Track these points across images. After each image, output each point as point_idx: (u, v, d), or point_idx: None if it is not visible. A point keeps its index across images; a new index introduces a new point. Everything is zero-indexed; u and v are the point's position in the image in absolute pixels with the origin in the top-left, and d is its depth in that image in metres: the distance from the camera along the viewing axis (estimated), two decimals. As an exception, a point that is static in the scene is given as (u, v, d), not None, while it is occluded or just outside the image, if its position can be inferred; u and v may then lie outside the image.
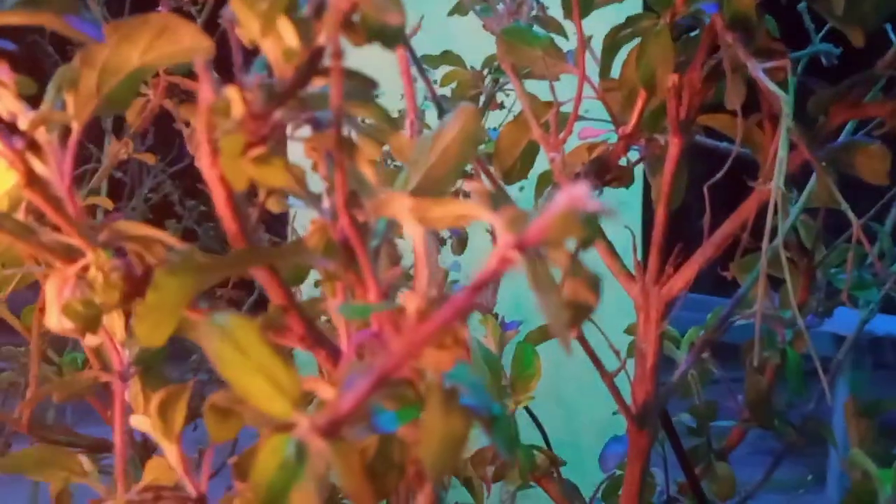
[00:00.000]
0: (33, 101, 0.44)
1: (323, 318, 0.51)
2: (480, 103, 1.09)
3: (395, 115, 0.47)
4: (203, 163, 0.38)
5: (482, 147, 1.02)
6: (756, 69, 0.61)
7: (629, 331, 0.86)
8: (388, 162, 0.97)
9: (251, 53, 0.41)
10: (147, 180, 2.04)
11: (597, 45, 0.78)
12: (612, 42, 0.75)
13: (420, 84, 1.27)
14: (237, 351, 0.32)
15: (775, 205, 0.59)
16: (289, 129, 0.41)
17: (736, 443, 0.93)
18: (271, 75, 0.40)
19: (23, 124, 0.43)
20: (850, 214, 0.65)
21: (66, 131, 0.44)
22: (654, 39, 0.70)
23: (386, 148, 0.47)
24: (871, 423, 0.77)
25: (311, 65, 0.37)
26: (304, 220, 0.50)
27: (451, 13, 1.05)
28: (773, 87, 0.59)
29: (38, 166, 0.43)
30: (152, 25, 0.42)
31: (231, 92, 0.38)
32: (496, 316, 1.08)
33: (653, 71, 0.69)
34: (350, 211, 0.40)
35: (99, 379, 0.63)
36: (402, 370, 0.33)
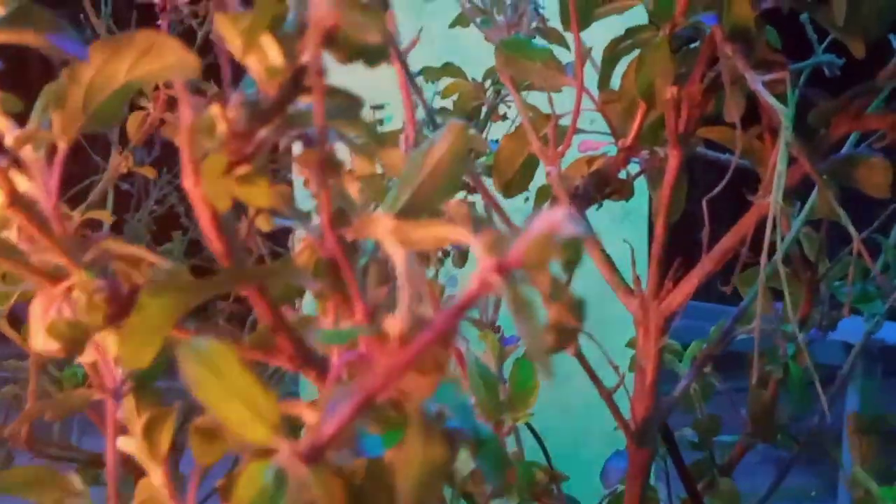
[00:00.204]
0: (20, 118, 0.44)
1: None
2: (482, 115, 1.08)
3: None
4: (186, 182, 0.38)
5: (483, 159, 1.02)
6: (755, 81, 0.61)
7: (631, 344, 0.86)
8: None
9: (244, 69, 0.41)
10: (153, 192, 2.04)
11: (599, 56, 0.77)
12: (612, 54, 0.74)
13: (426, 96, 1.26)
14: (215, 375, 0.32)
15: (774, 219, 0.58)
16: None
17: (739, 457, 0.92)
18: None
19: (8, 142, 0.42)
20: (851, 228, 0.64)
21: (54, 149, 0.44)
22: (653, 51, 0.69)
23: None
24: (875, 439, 0.76)
25: (295, 82, 0.37)
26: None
27: (452, 25, 1.04)
28: (771, 100, 0.59)
29: (23, 185, 0.43)
30: (138, 43, 0.41)
31: (214, 110, 0.37)
32: (498, 329, 1.07)
33: (651, 83, 0.69)
34: (337, 229, 0.39)
35: (92, 397, 0.62)
36: (384, 394, 0.33)
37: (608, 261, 0.75)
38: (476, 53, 1.11)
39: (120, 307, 0.43)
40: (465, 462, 0.52)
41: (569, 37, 0.82)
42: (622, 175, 0.77)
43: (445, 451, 0.31)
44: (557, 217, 0.25)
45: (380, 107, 1.38)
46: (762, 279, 0.61)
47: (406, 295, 0.33)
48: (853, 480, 0.61)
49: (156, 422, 0.44)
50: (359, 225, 0.33)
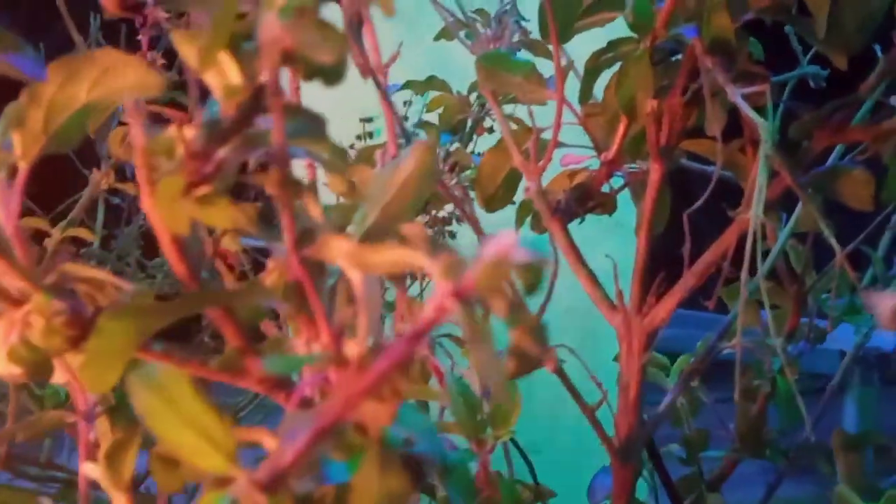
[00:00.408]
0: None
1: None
2: (467, 128, 1.07)
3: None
4: (144, 204, 0.37)
5: (467, 173, 1.01)
6: (735, 95, 0.60)
7: (618, 359, 0.85)
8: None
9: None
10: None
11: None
12: (594, 66, 0.74)
13: (415, 109, 1.26)
14: (166, 403, 0.31)
15: (755, 233, 0.58)
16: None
17: (728, 473, 0.91)
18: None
19: (-33, 163, 0.42)
20: (834, 242, 0.64)
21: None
22: (634, 64, 0.69)
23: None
24: (861, 455, 0.75)
25: (255, 102, 0.36)
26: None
27: (437, 38, 1.04)
28: (750, 112, 0.58)
29: (-18, 207, 0.42)
30: (98, 63, 0.41)
31: (172, 131, 0.37)
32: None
33: (632, 96, 0.68)
34: (301, 250, 0.38)
35: (65, 419, 0.61)
36: (343, 421, 0.32)
37: (591, 275, 0.74)
38: (467, 66, 1.10)
39: (82, 330, 0.42)
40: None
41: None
42: (605, 189, 0.76)
43: (403, 479, 0.30)
44: (510, 241, 0.25)
45: (368, 119, 1.37)
46: (744, 294, 0.60)
47: (364, 319, 0.32)
48: (839, 497, 0.61)
49: (119, 447, 0.43)
50: (316, 247, 0.32)
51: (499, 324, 0.30)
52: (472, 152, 1.08)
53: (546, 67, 0.78)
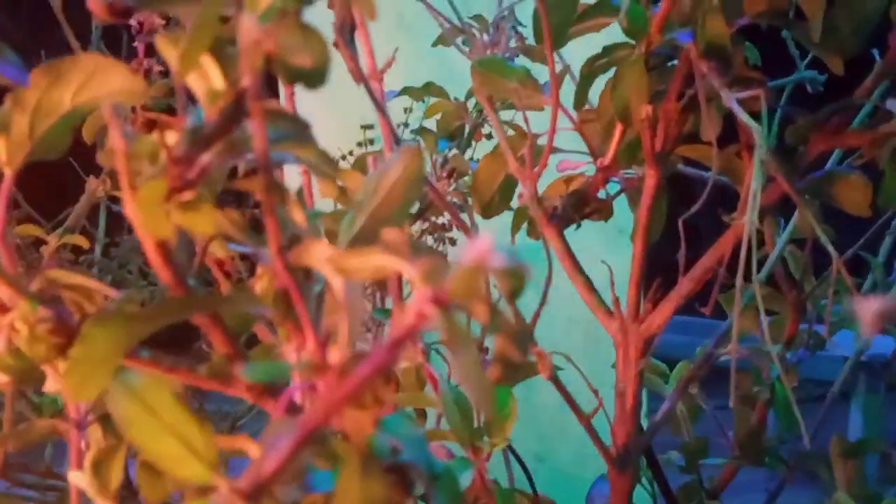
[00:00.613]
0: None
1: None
2: (465, 134, 1.07)
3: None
4: (127, 210, 0.37)
5: (465, 179, 1.01)
6: (730, 99, 0.59)
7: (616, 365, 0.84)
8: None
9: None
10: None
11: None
12: (589, 71, 0.73)
13: (416, 115, 1.25)
14: (147, 412, 0.31)
15: (749, 239, 0.57)
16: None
17: (728, 480, 0.91)
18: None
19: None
20: (831, 248, 0.63)
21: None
22: (629, 69, 0.68)
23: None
24: (861, 463, 0.75)
25: (238, 107, 0.36)
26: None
27: (434, 44, 1.03)
28: (745, 117, 0.57)
29: (-33, 214, 0.41)
30: (83, 68, 0.40)
31: (155, 136, 0.36)
32: (486, 350, 1.06)
33: (627, 101, 0.68)
34: (286, 257, 0.38)
35: (57, 427, 0.61)
36: (325, 428, 0.32)
37: (587, 282, 0.74)
38: (468, 72, 1.10)
39: (68, 338, 0.41)
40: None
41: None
42: (602, 194, 0.76)
43: (385, 487, 0.30)
44: (486, 247, 0.24)
45: (369, 126, 1.37)
46: (738, 300, 0.59)
47: (346, 326, 0.32)
48: (837, 506, 0.60)
49: (105, 455, 0.42)
50: (297, 253, 0.32)
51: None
52: (471, 158, 1.07)
53: (543, 73, 0.78)
